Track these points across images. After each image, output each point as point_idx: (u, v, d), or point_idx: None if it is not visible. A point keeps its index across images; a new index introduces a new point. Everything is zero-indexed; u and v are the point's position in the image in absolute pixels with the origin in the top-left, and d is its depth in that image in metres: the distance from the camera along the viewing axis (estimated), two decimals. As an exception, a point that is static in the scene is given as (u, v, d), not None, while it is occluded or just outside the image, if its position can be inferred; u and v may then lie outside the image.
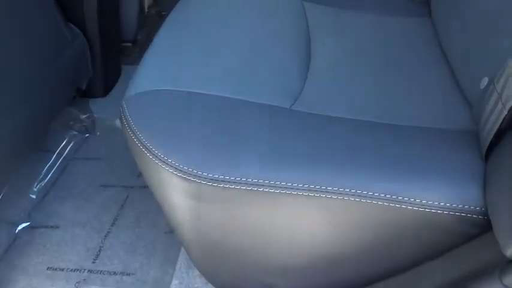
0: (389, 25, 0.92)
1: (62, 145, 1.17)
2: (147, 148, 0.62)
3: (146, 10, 1.45)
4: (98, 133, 1.23)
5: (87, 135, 1.22)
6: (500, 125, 0.56)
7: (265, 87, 0.73)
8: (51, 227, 1.00)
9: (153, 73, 0.74)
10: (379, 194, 0.57)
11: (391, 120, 0.69)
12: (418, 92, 0.76)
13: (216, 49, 0.80)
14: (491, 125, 0.58)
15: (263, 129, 0.65)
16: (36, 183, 1.08)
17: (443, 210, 0.57)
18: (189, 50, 0.79)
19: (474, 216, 0.56)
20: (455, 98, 0.74)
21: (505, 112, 0.55)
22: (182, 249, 0.91)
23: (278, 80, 0.76)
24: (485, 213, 0.55)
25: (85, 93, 1.23)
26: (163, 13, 1.48)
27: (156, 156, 0.61)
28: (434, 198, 0.57)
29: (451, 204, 0.56)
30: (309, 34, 0.88)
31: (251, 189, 0.59)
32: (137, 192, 1.07)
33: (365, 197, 0.58)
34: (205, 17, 0.88)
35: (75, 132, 1.21)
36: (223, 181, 0.59)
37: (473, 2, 0.78)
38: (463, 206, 0.56)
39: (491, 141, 0.58)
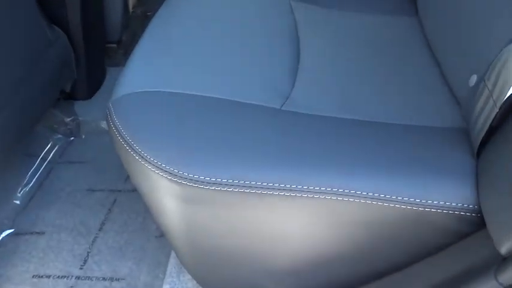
0: (377, 24, 0.92)
1: (46, 149, 1.14)
2: (136, 151, 0.61)
3: (131, 10, 1.42)
4: (83, 136, 1.21)
5: (72, 138, 1.20)
6: (491, 123, 0.56)
7: (255, 88, 0.72)
8: (37, 233, 0.98)
9: (140, 74, 0.73)
10: (373, 194, 0.57)
11: (381, 119, 0.69)
12: (408, 90, 0.76)
13: (203, 49, 0.79)
14: (483, 122, 0.58)
15: (254, 131, 0.65)
16: (20, 189, 1.05)
17: (437, 209, 0.57)
18: (176, 51, 0.78)
19: (467, 214, 0.56)
20: (445, 95, 0.74)
21: (496, 109, 0.55)
22: (173, 253, 0.90)
23: (268, 80, 0.75)
24: (479, 211, 0.55)
25: (69, 96, 1.21)
26: (148, 13, 1.46)
27: (146, 160, 0.60)
28: (426, 196, 0.57)
29: (444, 203, 0.56)
30: (297, 33, 0.88)
31: (243, 191, 0.59)
32: (125, 196, 1.05)
33: (358, 197, 0.57)
34: (192, 17, 0.87)
35: (59, 136, 1.19)
36: (215, 183, 0.58)
37: (459, 0, 0.78)
38: (456, 204, 0.56)
39: (482, 139, 0.58)
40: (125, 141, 0.62)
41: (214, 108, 0.68)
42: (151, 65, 0.75)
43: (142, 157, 0.60)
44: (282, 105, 0.70)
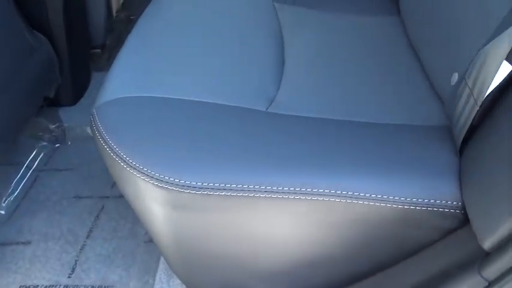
0: (361, 24, 0.93)
1: (31, 157, 1.13)
2: (121, 158, 0.60)
3: (114, 15, 1.41)
4: (69, 142, 1.20)
5: (57, 145, 1.19)
6: (472, 120, 0.57)
7: (240, 90, 0.72)
8: (23, 243, 0.96)
9: (124, 79, 0.72)
10: (359, 194, 0.57)
11: (365, 118, 0.69)
12: (392, 90, 0.76)
13: (187, 53, 0.78)
14: (464, 120, 0.59)
15: (240, 133, 0.65)
16: (4, 199, 1.03)
17: (422, 207, 0.57)
18: (160, 55, 0.78)
19: (451, 210, 0.57)
20: (428, 94, 0.75)
21: (477, 108, 0.56)
22: (162, 258, 0.89)
23: (253, 82, 0.75)
24: (463, 208, 0.56)
25: (53, 102, 1.19)
26: (132, 17, 1.45)
27: (132, 166, 0.59)
28: (411, 194, 0.58)
29: (429, 200, 0.57)
30: (281, 35, 0.88)
31: (230, 195, 0.58)
32: (113, 202, 1.04)
33: (344, 197, 0.58)
34: (176, 21, 0.86)
35: (44, 143, 1.17)
36: (202, 188, 0.58)
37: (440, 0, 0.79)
38: (440, 201, 0.57)
39: (464, 136, 0.59)
40: (110, 148, 0.62)
41: (200, 112, 0.67)
42: (136, 70, 0.74)
43: (128, 163, 0.60)
44: (268, 108, 0.70)
